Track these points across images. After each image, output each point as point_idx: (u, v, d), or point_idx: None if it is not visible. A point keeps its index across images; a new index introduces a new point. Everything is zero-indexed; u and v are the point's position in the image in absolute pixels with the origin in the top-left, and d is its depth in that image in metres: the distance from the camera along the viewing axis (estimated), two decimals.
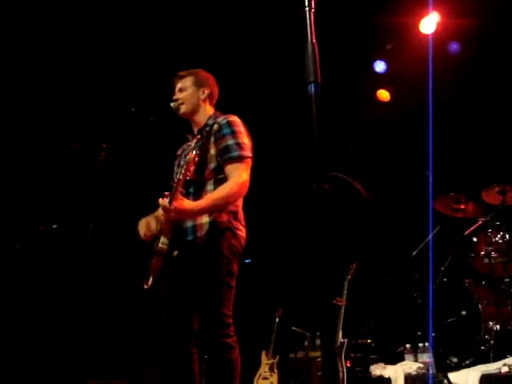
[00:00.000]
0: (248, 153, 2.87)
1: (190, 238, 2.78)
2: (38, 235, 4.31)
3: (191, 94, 3.08)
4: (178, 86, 3.11)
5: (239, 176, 2.78)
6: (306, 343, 5.43)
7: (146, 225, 2.94)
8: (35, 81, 5.33)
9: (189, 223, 2.81)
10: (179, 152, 3.19)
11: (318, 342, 5.37)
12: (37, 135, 5.52)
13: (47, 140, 5.48)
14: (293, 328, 5.52)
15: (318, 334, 5.41)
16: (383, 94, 6.12)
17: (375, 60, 5.92)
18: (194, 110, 3.09)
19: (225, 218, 2.81)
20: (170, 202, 2.66)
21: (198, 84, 3.11)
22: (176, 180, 2.75)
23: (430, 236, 4.49)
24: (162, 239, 2.75)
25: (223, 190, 2.77)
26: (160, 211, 2.78)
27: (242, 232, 2.89)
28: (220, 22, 5.15)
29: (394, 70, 5.92)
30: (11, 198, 5.54)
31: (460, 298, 4.16)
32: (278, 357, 5.46)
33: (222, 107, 3.17)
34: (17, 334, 5.36)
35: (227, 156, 2.83)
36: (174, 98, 3.09)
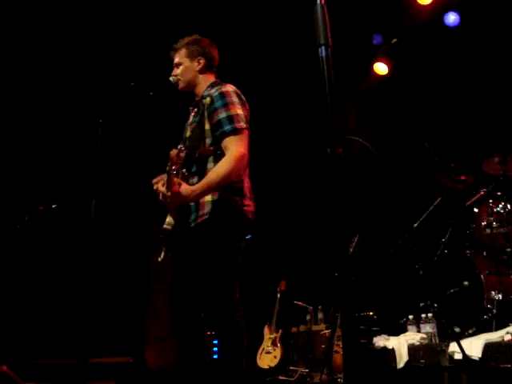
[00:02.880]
0: (242, 124, 2.76)
1: (192, 216, 2.75)
2: (38, 215, 4.29)
3: (186, 69, 2.98)
4: (175, 60, 3.02)
5: (235, 151, 2.69)
6: (308, 317, 5.45)
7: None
8: (33, 54, 5.23)
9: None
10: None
11: (320, 315, 5.39)
12: (35, 111, 5.44)
13: (44, 117, 5.41)
14: (295, 302, 5.53)
15: (319, 307, 5.44)
16: (381, 67, 6.06)
17: (373, 32, 5.84)
18: (193, 83, 3.00)
19: (227, 194, 2.75)
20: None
21: (192, 55, 3.00)
22: (168, 169, 2.66)
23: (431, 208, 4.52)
24: (168, 219, 2.70)
25: (220, 168, 2.67)
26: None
27: (249, 207, 2.82)
28: None
29: (391, 42, 5.85)
30: (10, 177, 5.50)
31: (462, 268, 4.17)
32: (280, 331, 5.49)
33: (230, 72, 3.07)
34: (19, 312, 5.38)
35: (221, 131, 2.74)
36: (173, 73, 3.01)
